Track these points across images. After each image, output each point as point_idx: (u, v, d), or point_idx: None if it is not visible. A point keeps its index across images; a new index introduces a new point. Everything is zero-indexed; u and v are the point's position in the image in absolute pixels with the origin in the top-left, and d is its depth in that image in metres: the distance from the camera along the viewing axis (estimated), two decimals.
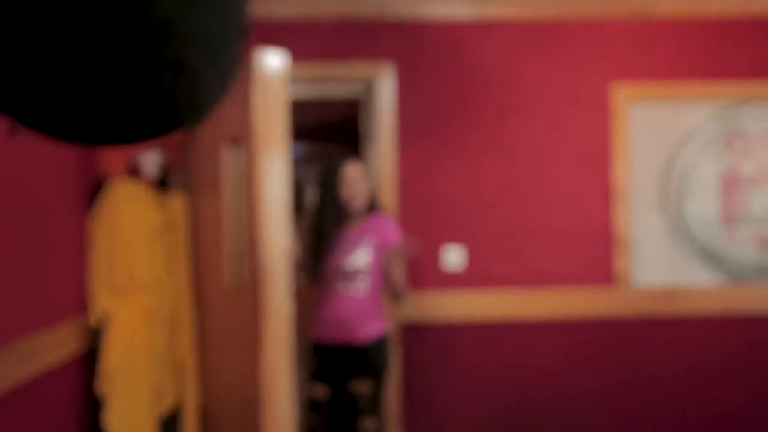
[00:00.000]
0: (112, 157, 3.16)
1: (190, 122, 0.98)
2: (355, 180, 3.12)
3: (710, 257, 3.90)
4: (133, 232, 3.09)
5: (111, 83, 0.87)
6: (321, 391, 3.17)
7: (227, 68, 0.96)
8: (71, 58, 0.85)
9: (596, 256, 3.83)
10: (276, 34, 3.62)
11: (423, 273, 3.77)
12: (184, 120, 0.97)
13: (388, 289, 3.16)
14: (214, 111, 0.98)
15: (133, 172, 3.24)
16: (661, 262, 3.90)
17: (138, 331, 3.08)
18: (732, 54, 3.86)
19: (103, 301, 3.06)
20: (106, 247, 3.08)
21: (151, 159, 3.24)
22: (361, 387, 3.08)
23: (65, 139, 0.98)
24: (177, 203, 3.38)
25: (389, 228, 3.17)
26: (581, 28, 3.85)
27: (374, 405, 3.10)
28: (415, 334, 3.77)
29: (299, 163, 6.54)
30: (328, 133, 6.86)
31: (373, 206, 3.24)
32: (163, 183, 3.40)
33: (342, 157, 3.19)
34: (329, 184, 3.14)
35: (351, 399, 3.12)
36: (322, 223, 3.15)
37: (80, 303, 3.04)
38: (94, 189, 3.19)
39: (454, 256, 3.78)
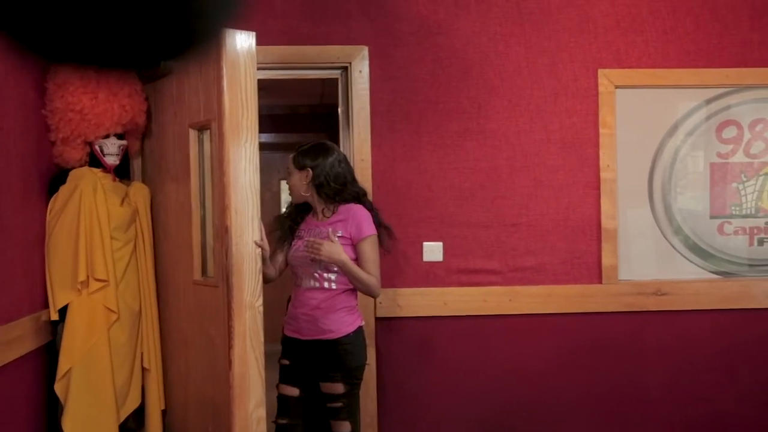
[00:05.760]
0: (70, 145, 2.99)
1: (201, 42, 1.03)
2: (288, 174, 3.10)
3: (699, 251, 3.77)
4: (95, 225, 2.93)
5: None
6: (291, 390, 3.01)
7: None
8: None
9: (582, 249, 3.69)
10: (245, 15, 3.43)
11: (400, 267, 3.61)
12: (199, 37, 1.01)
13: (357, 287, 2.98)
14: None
15: (93, 161, 3.06)
16: (648, 256, 3.77)
17: (99, 329, 2.92)
18: (722, 40, 3.73)
19: (63, 297, 2.90)
20: (66, 241, 2.92)
21: (111, 146, 3.07)
22: (334, 387, 2.92)
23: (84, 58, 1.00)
24: (139, 193, 3.22)
25: (361, 219, 3.00)
26: (566, 10, 3.69)
27: (349, 407, 2.94)
28: (392, 330, 3.62)
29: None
30: (304, 122, 6.76)
31: (345, 195, 3.06)
32: (123, 171, 3.23)
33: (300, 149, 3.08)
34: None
35: (323, 400, 2.95)
36: (282, 214, 3.23)
37: (37, 299, 2.88)
38: (52, 178, 3.02)
39: (432, 250, 3.62)
